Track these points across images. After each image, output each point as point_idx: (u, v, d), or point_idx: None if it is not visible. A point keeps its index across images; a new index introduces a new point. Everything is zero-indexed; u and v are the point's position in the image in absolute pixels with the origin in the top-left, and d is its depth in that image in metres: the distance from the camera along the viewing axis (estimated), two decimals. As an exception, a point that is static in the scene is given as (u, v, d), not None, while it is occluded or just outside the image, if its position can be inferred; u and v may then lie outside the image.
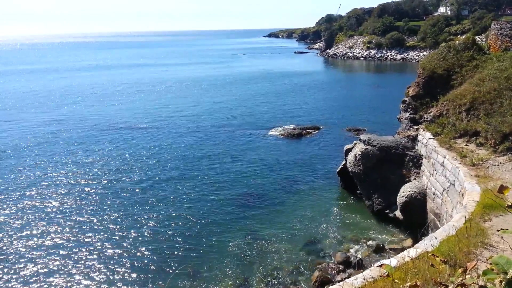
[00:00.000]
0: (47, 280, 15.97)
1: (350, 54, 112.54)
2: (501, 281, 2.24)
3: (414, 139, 20.70)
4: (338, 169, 24.72)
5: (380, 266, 6.95)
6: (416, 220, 17.38)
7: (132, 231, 19.62)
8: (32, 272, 16.47)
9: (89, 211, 21.80)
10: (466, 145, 17.28)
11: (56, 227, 20.14)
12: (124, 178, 26.37)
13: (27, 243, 18.61)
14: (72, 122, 42.14)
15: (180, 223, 20.26)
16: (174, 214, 21.22)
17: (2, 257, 17.50)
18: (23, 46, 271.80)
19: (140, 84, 70.89)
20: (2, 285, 15.49)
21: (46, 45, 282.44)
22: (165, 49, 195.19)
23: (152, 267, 16.69)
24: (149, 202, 22.78)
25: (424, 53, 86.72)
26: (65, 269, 16.63)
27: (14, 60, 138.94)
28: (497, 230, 3.03)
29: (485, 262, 6.28)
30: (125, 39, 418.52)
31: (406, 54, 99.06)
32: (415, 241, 14.55)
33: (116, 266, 16.81)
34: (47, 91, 63.31)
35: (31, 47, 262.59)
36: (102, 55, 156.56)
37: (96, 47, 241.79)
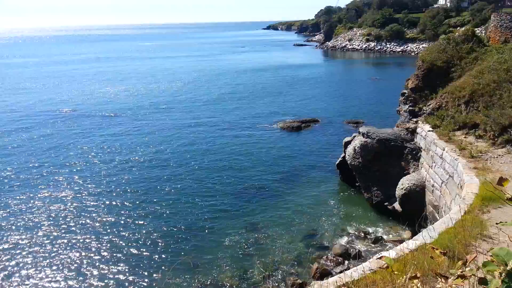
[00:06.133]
0: (46, 274, 16.05)
1: (349, 47, 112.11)
2: (500, 273, 2.25)
3: (413, 132, 20.70)
4: (337, 162, 24.75)
5: (379, 258, 6.98)
6: (415, 212, 17.41)
7: (132, 223, 19.67)
8: (34, 267, 16.55)
9: (87, 203, 21.82)
10: (465, 137, 17.30)
11: (55, 217, 20.19)
12: (123, 171, 26.37)
13: (27, 237, 18.70)
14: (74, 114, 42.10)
15: (180, 216, 20.30)
16: (174, 207, 21.25)
17: (3, 254, 17.58)
18: (27, 39, 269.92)
19: (132, 76, 70.62)
20: (3, 284, 15.54)
21: (51, 38, 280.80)
22: (163, 42, 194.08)
23: (153, 258, 16.76)
24: (148, 194, 22.80)
25: (424, 45, 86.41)
26: (64, 263, 16.69)
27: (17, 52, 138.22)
28: (496, 223, 3.04)
29: (484, 254, 6.31)
30: (119, 31, 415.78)
31: (405, 46, 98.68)
32: (414, 233, 14.62)
33: (116, 258, 16.87)
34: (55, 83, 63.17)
35: (29, 40, 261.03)
36: (103, 48, 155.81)
37: (103, 39, 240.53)
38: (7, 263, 16.62)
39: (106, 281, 15.54)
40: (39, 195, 23.00)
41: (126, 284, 15.36)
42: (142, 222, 19.82)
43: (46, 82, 65.89)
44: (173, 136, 34.28)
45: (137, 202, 21.92)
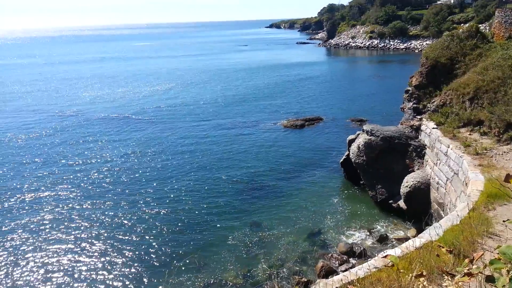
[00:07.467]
0: (49, 274, 16.13)
1: (353, 44, 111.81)
2: (508, 271, 2.24)
3: (418, 129, 20.63)
4: (341, 160, 24.70)
5: (385, 256, 6.97)
6: (419, 210, 17.38)
7: (138, 223, 19.72)
8: (35, 267, 16.64)
9: (92, 203, 21.90)
10: (469, 134, 17.21)
11: (60, 216, 20.28)
12: (125, 171, 26.43)
13: (28, 236, 18.79)
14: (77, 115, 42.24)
15: (184, 215, 20.33)
16: (178, 206, 21.28)
17: (3, 252, 17.68)
18: (24, 40, 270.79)
19: (138, 75, 70.71)
20: (4, 283, 15.63)
21: (48, 38, 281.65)
22: (168, 41, 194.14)
23: (157, 258, 16.80)
24: (153, 194, 22.85)
25: (427, 42, 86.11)
26: (69, 263, 16.77)
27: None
28: (503, 221, 3.03)
29: (491, 252, 6.29)
30: (123, 31, 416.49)
31: (409, 44, 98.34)
32: (419, 231, 14.57)
33: (122, 258, 16.93)
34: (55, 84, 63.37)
35: (30, 40, 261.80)
36: (97, 48, 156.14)
37: (94, 40, 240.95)
38: (9, 264, 16.73)
39: (110, 280, 15.60)
40: (42, 196, 23.12)
41: (131, 283, 15.42)
42: (146, 222, 19.87)
43: (50, 84, 66.16)
44: (176, 134, 34.32)
45: (141, 202, 21.97)
